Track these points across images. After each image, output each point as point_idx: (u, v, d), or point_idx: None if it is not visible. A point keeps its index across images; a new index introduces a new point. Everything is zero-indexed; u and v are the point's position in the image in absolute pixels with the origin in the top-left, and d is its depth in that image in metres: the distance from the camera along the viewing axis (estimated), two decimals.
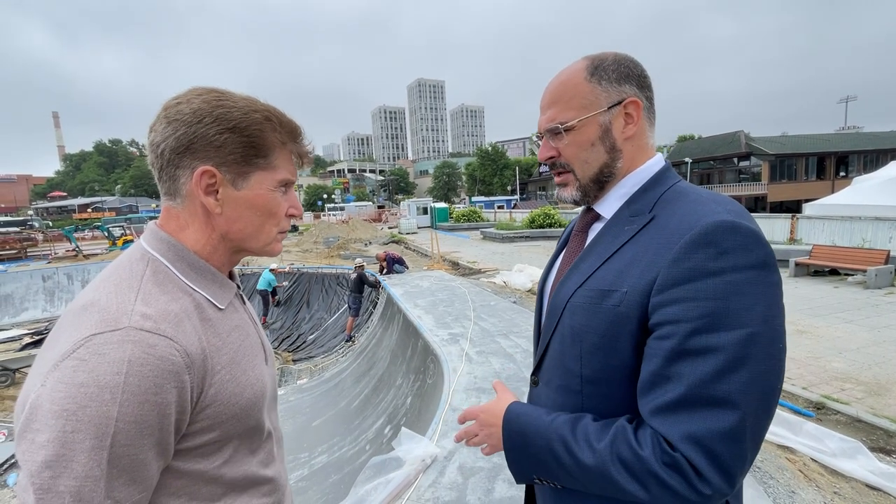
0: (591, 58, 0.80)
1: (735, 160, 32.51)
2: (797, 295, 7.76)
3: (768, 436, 3.30)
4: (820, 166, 31.21)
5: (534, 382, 0.89)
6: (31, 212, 68.26)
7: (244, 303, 0.84)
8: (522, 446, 0.76)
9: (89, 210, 58.70)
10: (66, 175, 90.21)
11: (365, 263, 10.62)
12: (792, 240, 12.47)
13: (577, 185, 0.83)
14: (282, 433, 0.90)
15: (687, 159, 30.35)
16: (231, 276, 0.83)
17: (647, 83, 0.80)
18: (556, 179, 0.86)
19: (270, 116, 0.73)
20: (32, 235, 31.28)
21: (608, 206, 0.82)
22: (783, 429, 3.37)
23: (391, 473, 2.66)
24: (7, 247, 25.78)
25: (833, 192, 17.45)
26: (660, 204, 0.75)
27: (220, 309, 0.74)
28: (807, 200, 16.54)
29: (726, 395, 0.60)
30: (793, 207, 24.25)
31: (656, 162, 0.81)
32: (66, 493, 0.52)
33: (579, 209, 0.93)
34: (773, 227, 13.17)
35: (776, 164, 30.38)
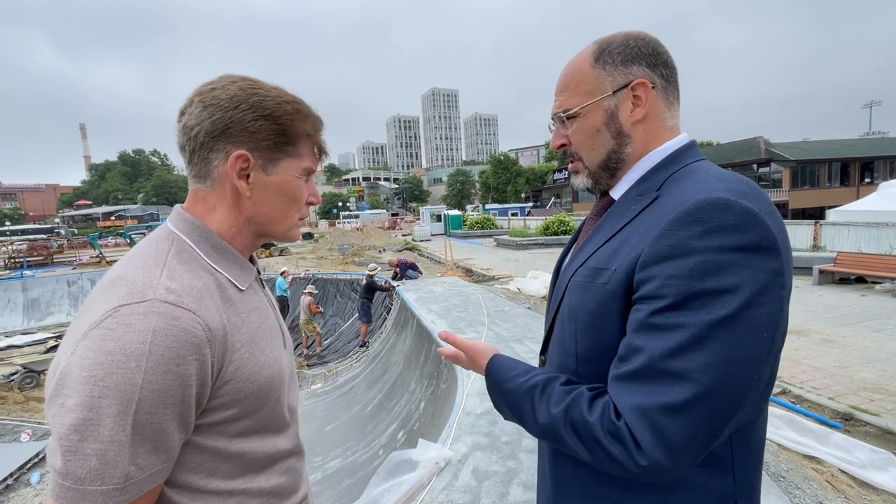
0: (600, 41, 0.78)
1: (754, 167, 31.88)
2: (822, 303, 7.53)
3: (793, 445, 3.20)
4: (844, 172, 30.40)
5: (542, 361, 0.91)
6: (57, 220, 70.66)
7: (263, 287, 0.86)
8: (498, 396, 0.84)
9: (113, 218, 60.38)
10: (91, 184, 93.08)
11: (379, 268, 10.68)
12: (815, 247, 12.13)
13: (587, 173, 0.82)
14: (298, 415, 0.91)
15: None
16: (252, 260, 0.85)
17: (662, 60, 0.76)
18: (570, 167, 0.86)
19: (300, 107, 0.77)
20: (59, 242, 32.27)
21: (621, 189, 0.80)
22: (809, 438, 3.26)
23: (404, 476, 2.64)
24: (35, 253, 26.65)
25: (858, 198, 16.95)
26: (668, 183, 0.72)
27: (241, 290, 0.75)
28: (830, 207, 16.11)
29: (682, 371, 0.58)
30: (815, 214, 23.63)
31: (676, 142, 0.77)
32: (93, 455, 0.54)
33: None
34: (795, 234, 12.82)
35: (798, 171, 29.70)
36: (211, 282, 0.70)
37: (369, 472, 4.14)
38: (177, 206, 0.77)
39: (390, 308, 10.28)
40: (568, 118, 0.80)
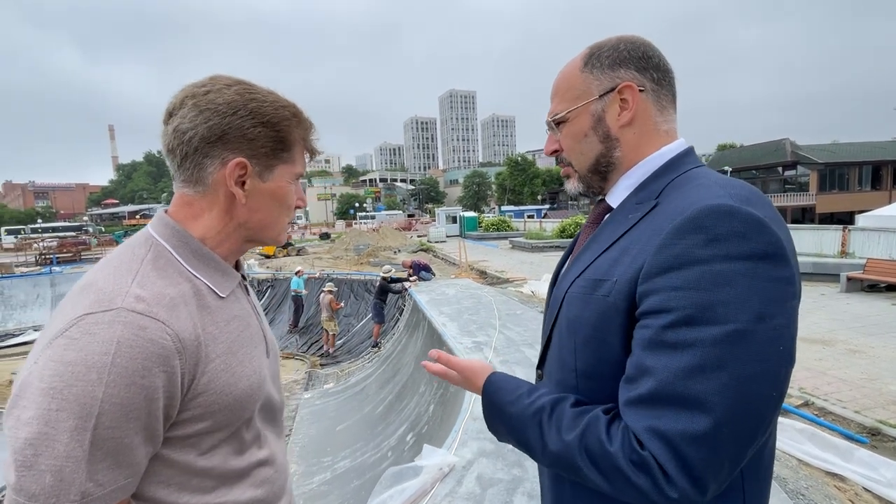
0: (592, 46, 0.78)
1: (780, 169, 30.99)
2: (849, 312, 7.24)
3: (814, 461, 3.06)
4: (875, 176, 29.24)
5: (539, 376, 0.88)
6: (86, 218, 73.07)
7: (248, 293, 0.84)
8: (499, 420, 0.77)
9: (138, 217, 62.14)
10: (118, 184, 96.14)
11: (393, 270, 10.71)
12: (843, 253, 11.69)
13: (578, 178, 0.81)
14: (283, 425, 0.89)
15: (726, 168, 29.12)
16: (237, 265, 0.83)
17: (653, 63, 0.74)
18: (562, 172, 0.85)
19: (296, 112, 0.76)
20: (86, 240, 33.38)
21: (617, 196, 0.78)
22: (832, 455, 3.12)
23: (408, 482, 2.62)
24: (64, 250, 27.60)
25: (891, 202, 16.28)
26: (667, 190, 0.69)
27: (222, 297, 0.74)
28: (860, 212, 15.49)
29: (700, 394, 0.55)
30: (844, 219, 22.80)
31: (673, 148, 0.75)
32: (48, 471, 0.52)
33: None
34: (821, 240, 12.40)
35: (826, 174, 28.70)
36: (188, 289, 0.68)
37: (378, 474, 4.13)
38: (159, 211, 0.75)
39: (403, 309, 10.29)
40: (558, 123, 0.79)
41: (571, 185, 0.83)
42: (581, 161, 0.79)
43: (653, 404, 0.58)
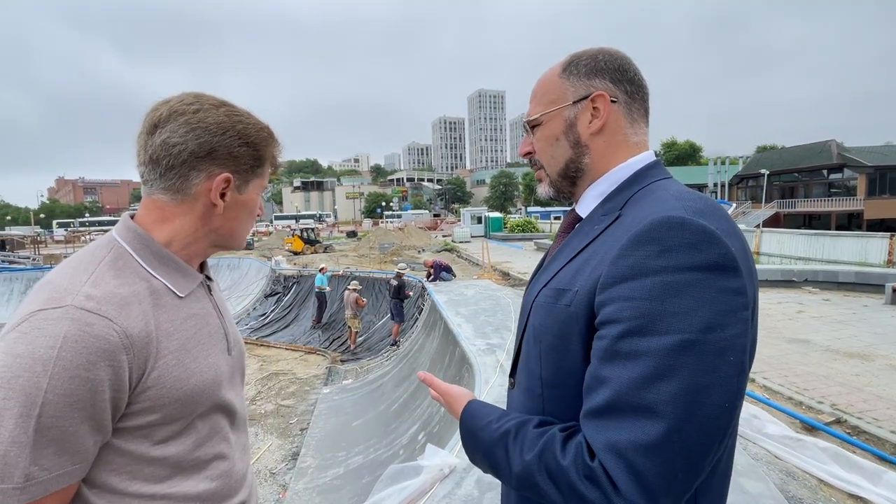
0: (573, 54, 0.80)
1: (824, 172, 29.40)
2: (893, 325, 6.79)
3: (837, 482, 2.90)
4: None
5: (511, 385, 0.88)
6: (129, 212, 76.83)
7: (210, 293, 0.87)
8: (473, 446, 0.78)
9: None
10: None
11: (408, 267, 10.80)
12: (891, 262, 10.98)
13: (549, 181, 0.83)
14: (244, 419, 0.91)
15: (763, 171, 27.83)
16: (202, 267, 0.87)
17: (628, 77, 0.76)
18: (535, 175, 0.87)
19: (271, 133, 0.85)
20: None
21: (586, 205, 0.80)
22: (857, 476, 2.94)
23: (408, 481, 2.64)
24: None
25: None
26: (630, 202, 0.71)
27: (180, 297, 0.77)
28: None
29: (651, 404, 0.55)
30: (894, 226, 21.41)
31: (640, 160, 0.77)
32: None
33: None
34: (866, 248, 11.69)
35: (875, 178, 27.03)
36: (143, 288, 0.72)
37: None
38: (125, 215, 0.80)
39: (422, 309, 10.35)
40: (532, 126, 0.81)
41: (542, 189, 0.86)
42: (552, 164, 0.81)
43: (608, 415, 0.58)
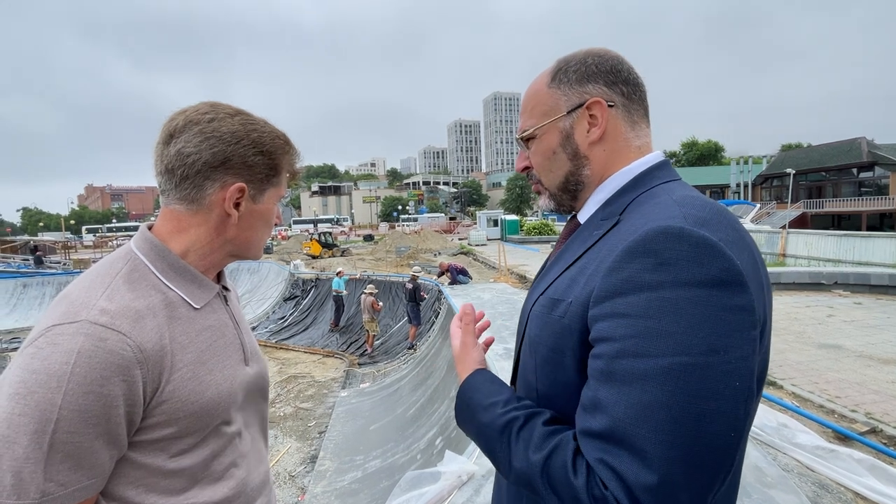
0: (559, 60, 0.76)
1: (854, 171, 28.35)
2: None
3: (874, 495, 2.76)
4: None
5: None
6: (153, 218, 79.25)
7: (227, 303, 0.87)
8: (468, 420, 0.75)
9: None
10: None
11: (422, 270, 10.81)
12: None
13: (548, 195, 0.80)
14: (264, 429, 0.91)
15: (789, 170, 26.97)
16: (219, 276, 0.87)
17: (622, 77, 0.72)
18: (533, 188, 0.83)
19: (287, 142, 0.84)
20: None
21: (587, 212, 0.76)
22: None
23: (425, 487, 2.62)
24: None
25: None
26: (630, 207, 0.67)
27: (196, 308, 0.77)
28: None
29: (651, 434, 0.52)
30: None
31: (644, 162, 0.72)
32: (8, 471, 0.56)
33: None
34: None
35: None
36: (158, 301, 0.72)
37: None
38: (142, 226, 0.80)
39: (438, 313, 10.34)
40: (526, 140, 0.78)
41: (542, 202, 0.82)
42: (550, 179, 0.78)
43: (608, 441, 0.55)
